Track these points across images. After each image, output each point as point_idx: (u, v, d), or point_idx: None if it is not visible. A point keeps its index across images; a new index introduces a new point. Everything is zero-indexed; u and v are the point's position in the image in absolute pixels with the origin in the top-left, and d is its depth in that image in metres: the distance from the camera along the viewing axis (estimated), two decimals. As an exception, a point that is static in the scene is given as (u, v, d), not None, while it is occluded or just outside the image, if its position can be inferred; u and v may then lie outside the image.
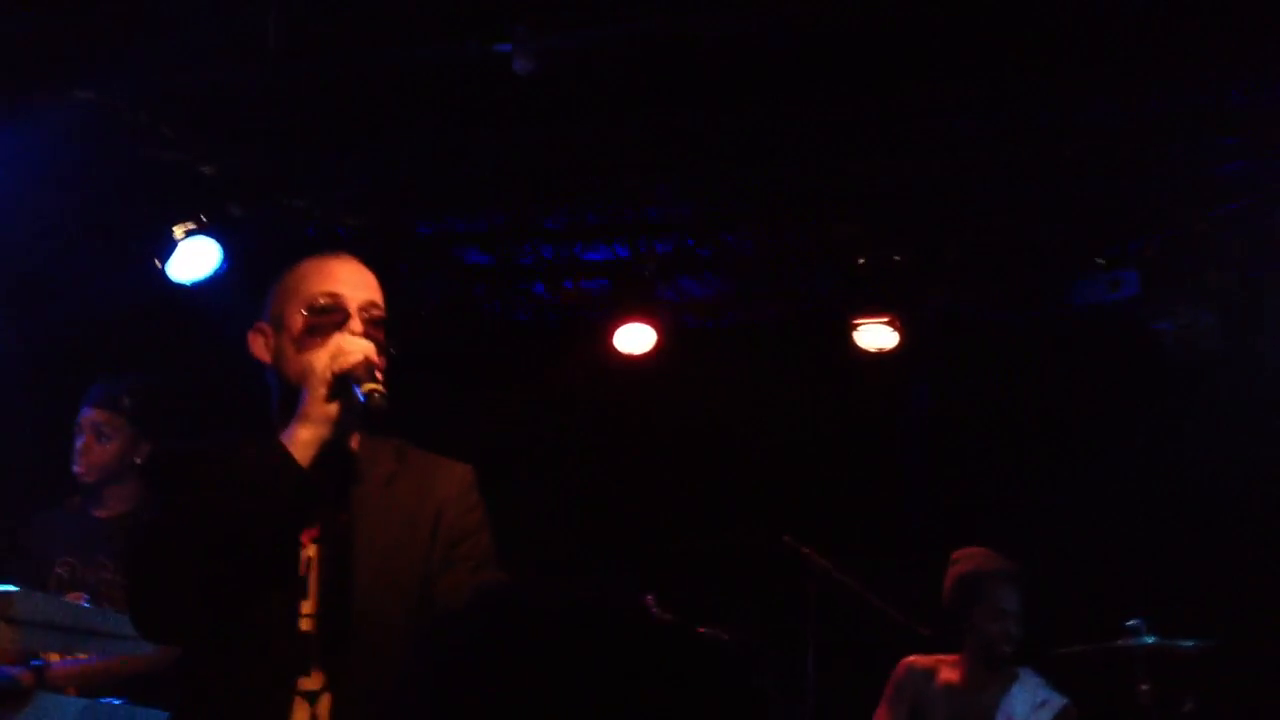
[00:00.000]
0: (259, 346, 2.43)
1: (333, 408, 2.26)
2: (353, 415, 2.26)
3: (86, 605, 3.76)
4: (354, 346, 2.28)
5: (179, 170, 5.20)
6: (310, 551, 2.31)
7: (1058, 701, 4.37)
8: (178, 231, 5.15)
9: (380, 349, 2.34)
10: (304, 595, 2.27)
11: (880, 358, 5.78)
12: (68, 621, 3.41)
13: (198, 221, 5.19)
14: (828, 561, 4.72)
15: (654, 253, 5.96)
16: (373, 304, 2.40)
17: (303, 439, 2.26)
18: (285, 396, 2.36)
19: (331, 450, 2.26)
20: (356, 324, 2.34)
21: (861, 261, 5.77)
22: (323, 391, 2.26)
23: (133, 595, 2.27)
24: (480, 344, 6.56)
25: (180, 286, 5.15)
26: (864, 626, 4.79)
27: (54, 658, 3.66)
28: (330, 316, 2.35)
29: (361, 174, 5.52)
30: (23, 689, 3.48)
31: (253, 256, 5.13)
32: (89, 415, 4.08)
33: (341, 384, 2.26)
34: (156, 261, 5.11)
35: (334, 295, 2.37)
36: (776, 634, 4.88)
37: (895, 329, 5.74)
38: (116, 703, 3.61)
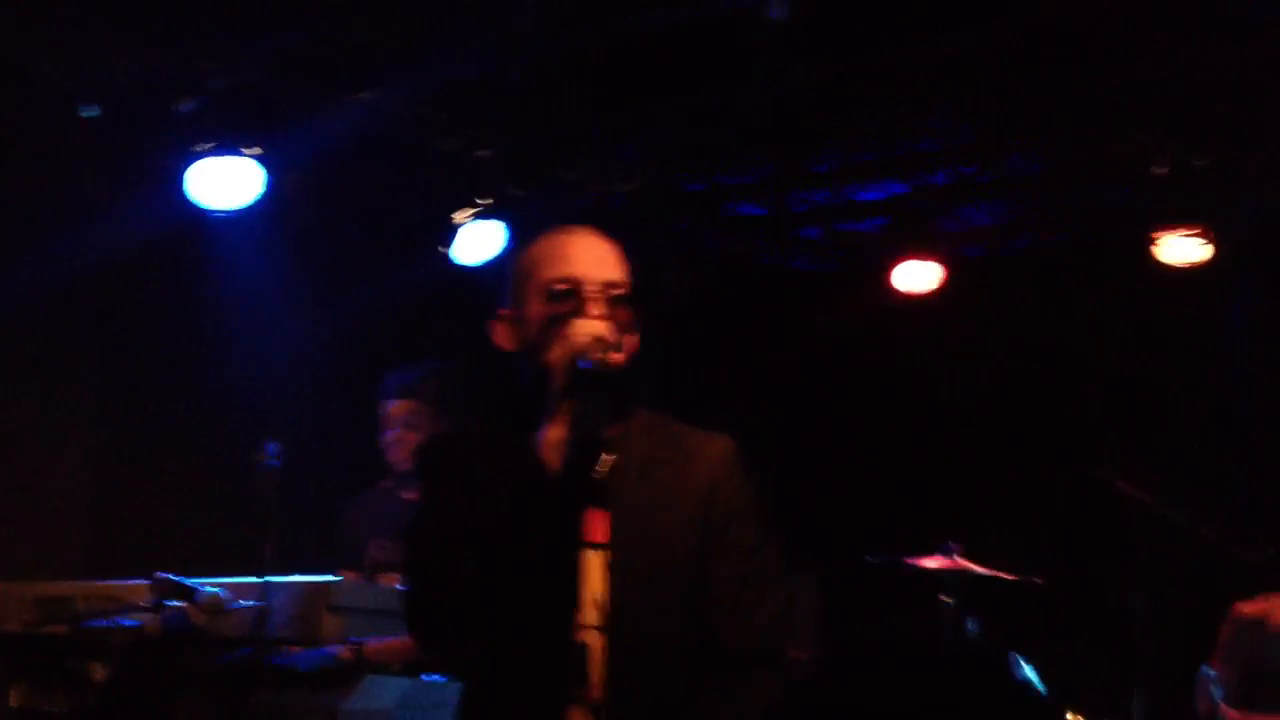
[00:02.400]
0: (502, 335, 2.33)
1: (574, 401, 2.17)
2: (594, 403, 2.14)
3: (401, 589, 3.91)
4: (585, 330, 2.18)
5: (457, 159, 5.34)
6: (589, 555, 2.18)
7: None
8: (458, 217, 5.30)
9: (623, 327, 2.24)
10: (575, 603, 2.12)
11: (1188, 274, 5.39)
12: (387, 605, 3.56)
13: (477, 206, 5.33)
14: (1149, 494, 4.45)
15: (931, 185, 5.75)
16: (611, 283, 2.27)
17: (551, 439, 2.20)
18: (536, 387, 2.25)
19: (586, 444, 2.12)
20: (594, 307, 2.23)
21: (1159, 171, 5.37)
22: (560, 385, 2.18)
23: (403, 596, 2.29)
24: (760, 297, 6.50)
25: (468, 270, 5.31)
26: (1196, 562, 4.51)
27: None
28: (568, 303, 2.24)
29: (628, 140, 5.53)
30: (347, 666, 3.66)
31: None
32: (394, 406, 4.25)
33: (573, 372, 2.16)
34: (441, 248, 5.28)
35: (570, 279, 2.25)
36: (1097, 577, 4.68)
37: (1207, 240, 5.33)
38: (441, 679, 3.76)
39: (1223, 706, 4.02)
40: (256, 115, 4.66)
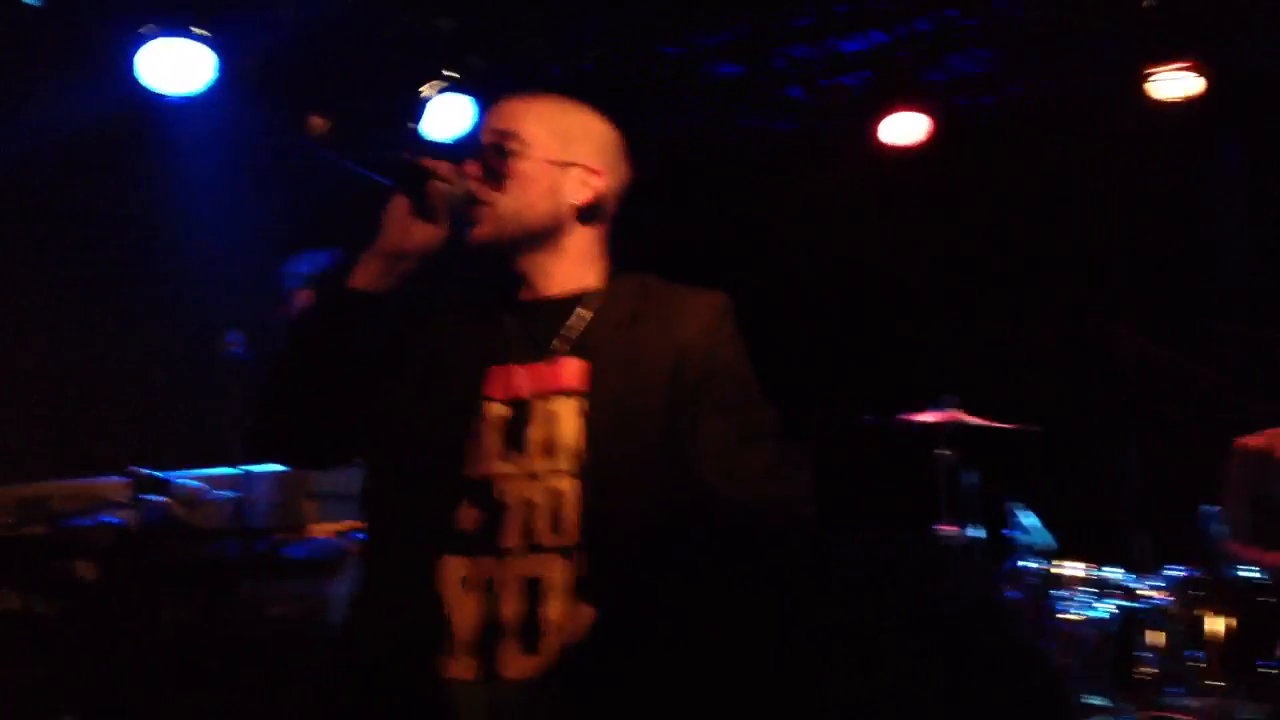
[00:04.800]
0: None
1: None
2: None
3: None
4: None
5: (419, 33, 5.17)
6: (499, 410, 2.13)
7: None
8: (426, 90, 5.14)
9: (489, 176, 2.18)
10: (471, 452, 2.10)
11: (1182, 111, 5.23)
12: (336, 488, 3.50)
13: (443, 79, 5.17)
14: (1144, 337, 4.36)
15: (914, 33, 5.56)
16: (497, 131, 2.21)
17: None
18: None
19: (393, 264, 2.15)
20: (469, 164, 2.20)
21: (1147, 4, 5.18)
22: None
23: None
24: (743, 159, 6.34)
25: (437, 145, 5.16)
26: (1193, 403, 4.43)
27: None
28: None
29: (597, 5, 5.35)
30: (345, 557, 3.62)
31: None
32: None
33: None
34: (409, 123, 5.13)
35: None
36: (1095, 423, 4.61)
37: (1199, 73, 5.16)
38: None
39: (1227, 543, 3.98)
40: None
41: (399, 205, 2.14)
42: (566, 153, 2.20)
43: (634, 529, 2.08)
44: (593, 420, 2.09)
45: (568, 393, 2.12)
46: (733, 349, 2.19)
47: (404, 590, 2.08)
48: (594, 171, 2.22)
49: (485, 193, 2.16)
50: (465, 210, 2.15)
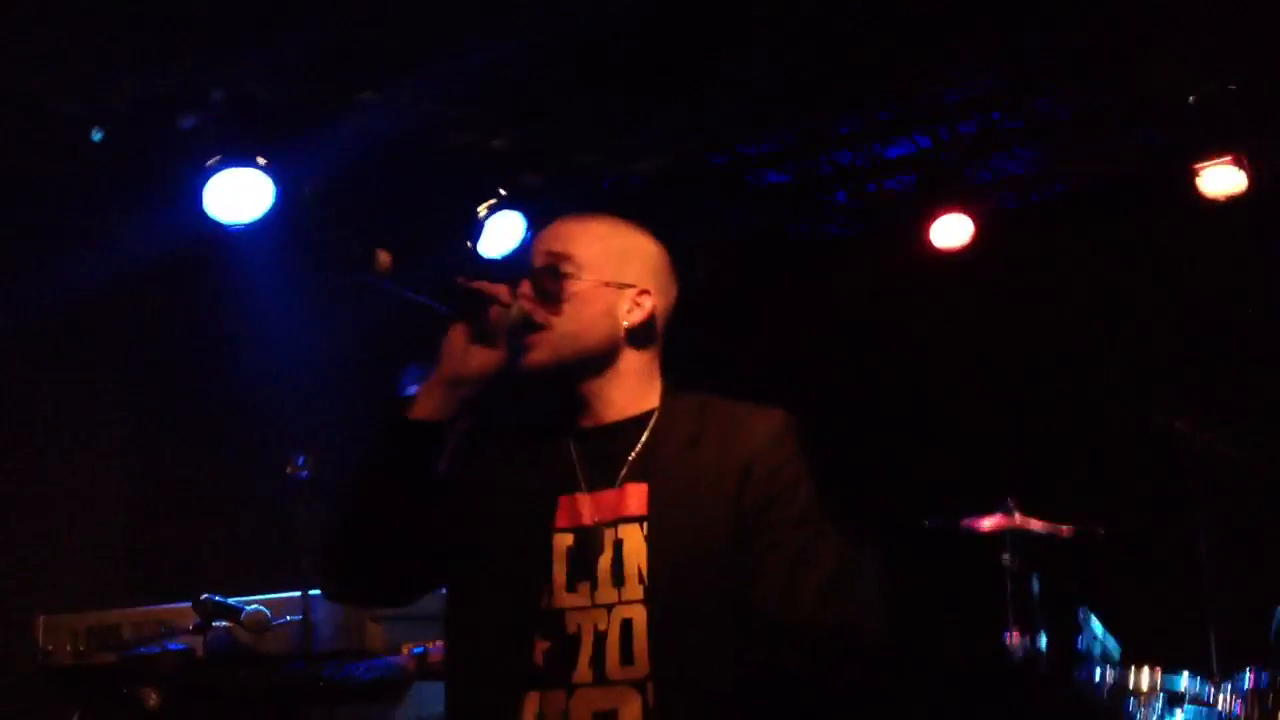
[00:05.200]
0: None
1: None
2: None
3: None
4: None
5: (470, 153, 5.28)
6: (566, 540, 2.13)
7: None
8: (481, 210, 5.24)
9: (546, 297, 2.18)
10: (541, 585, 2.11)
11: (1228, 207, 5.23)
12: (429, 611, 3.51)
13: (498, 197, 5.27)
14: (1206, 432, 4.31)
15: (958, 135, 5.61)
16: (548, 253, 2.21)
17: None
18: None
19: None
20: (524, 284, 2.21)
21: (1192, 100, 5.21)
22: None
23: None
24: (791, 267, 6.39)
25: (492, 263, 5.24)
26: (1259, 498, 4.37)
27: (431, 645, 3.80)
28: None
29: (643, 119, 5.44)
30: (406, 676, 3.63)
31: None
32: None
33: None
34: (468, 243, 5.22)
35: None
36: (1159, 523, 4.54)
37: (1243, 168, 5.17)
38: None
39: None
40: (261, 125, 4.62)
41: (457, 332, 2.15)
42: (620, 274, 2.21)
43: (701, 657, 2.07)
44: (656, 544, 2.08)
45: (633, 519, 2.11)
46: (794, 468, 2.16)
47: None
48: (646, 292, 2.23)
49: (541, 315, 2.17)
50: (522, 334, 2.16)
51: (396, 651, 3.67)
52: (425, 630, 3.59)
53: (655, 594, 2.06)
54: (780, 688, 2.10)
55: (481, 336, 2.14)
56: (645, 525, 2.10)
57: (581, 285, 2.18)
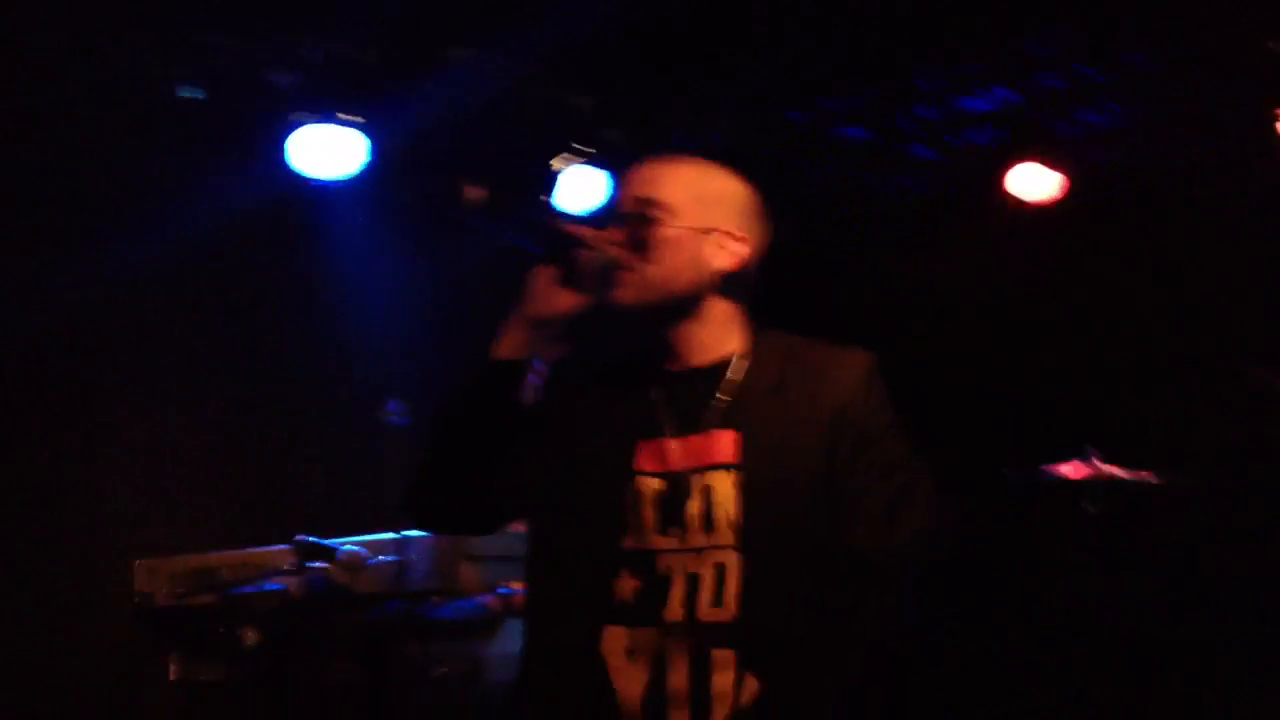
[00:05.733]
0: None
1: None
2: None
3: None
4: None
5: (555, 110, 5.32)
6: (654, 484, 2.16)
7: None
8: (556, 164, 5.28)
9: (638, 246, 2.20)
10: (629, 526, 2.14)
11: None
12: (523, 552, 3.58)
13: (575, 153, 5.31)
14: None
15: (1042, 89, 5.56)
16: (639, 200, 2.22)
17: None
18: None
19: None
20: (614, 231, 2.22)
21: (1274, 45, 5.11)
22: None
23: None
24: (872, 220, 6.38)
25: (577, 216, 5.29)
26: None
27: (517, 586, 3.87)
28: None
29: (724, 76, 5.46)
30: (493, 616, 3.70)
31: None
32: None
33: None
34: (541, 197, 5.27)
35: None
36: (1244, 475, 4.50)
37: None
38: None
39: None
40: (354, 84, 4.69)
41: (544, 273, 2.17)
42: (709, 218, 2.22)
43: (795, 600, 2.11)
44: (750, 493, 2.11)
45: (723, 466, 2.14)
46: (885, 412, 2.20)
47: (568, 659, 2.15)
48: (736, 237, 2.24)
49: (630, 259, 2.18)
50: (610, 277, 2.18)
51: (488, 591, 3.74)
52: (518, 571, 3.66)
53: (750, 542, 2.09)
54: (865, 625, 2.14)
55: (569, 279, 2.16)
56: (737, 474, 2.12)
57: (671, 231, 2.19)
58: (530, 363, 2.17)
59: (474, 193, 2.28)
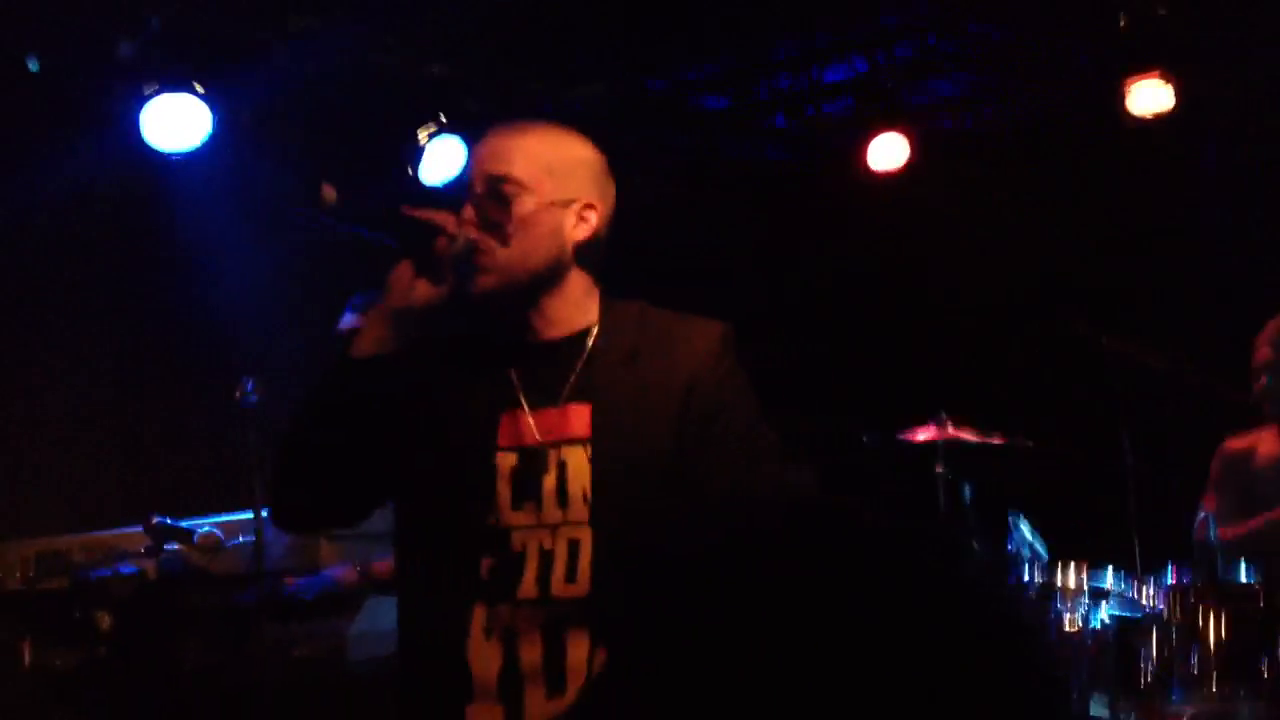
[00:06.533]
0: None
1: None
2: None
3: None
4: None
5: (410, 80, 5.25)
6: (510, 459, 2.14)
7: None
8: (422, 135, 5.22)
9: (491, 225, 2.13)
10: (487, 503, 2.12)
11: (1158, 122, 5.33)
12: (384, 527, 3.57)
13: (438, 122, 5.25)
14: (1131, 344, 4.44)
15: (895, 59, 5.67)
16: (493, 176, 2.15)
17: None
18: None
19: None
20: (466, 209, 2.16)
21: (1122, 21, 5.29)
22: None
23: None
24: (732, 189, 6.44)
25: (435, 190, 5.24)
26: (1181, 407, 4.52)
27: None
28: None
29: (582, 44, 5.45)
30: (351, 588, 3.68)
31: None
32: None
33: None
34: (409, 170, 5.20)
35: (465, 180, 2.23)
36: (1086, 432, 4.67)
37: (1171, 84, 5.26)
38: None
39: (1220, 531, 4.03)
40: (199, 53, 4.58)
41: (403, 265, 2.11)
42: (563, 190, 2.18)
43: (646, 572, 2.13)
44: (601, 467, 2.10)
45: (577, 440, 2.12)
46: (736, 381, 2.19)
47: (433, 639, 2.13)
48: (591, 206, 2.20)
49: (487, 243, 2.12)
50: (468, 264, 2.12)
51: (347, 567, 3.73)
52: (376, 547, 3.65)
53: (602, 517, 2.09)
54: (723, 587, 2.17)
55: (427, 268, 2.10)
56: (589, 448, 2.11)
57: (526, 207, 2.14)
58: (393, 355, 2.12)
59: (329, 194, 2.23)
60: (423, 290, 2.12)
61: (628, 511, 2.09)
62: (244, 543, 3.70)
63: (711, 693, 2.10)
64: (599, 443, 2.11)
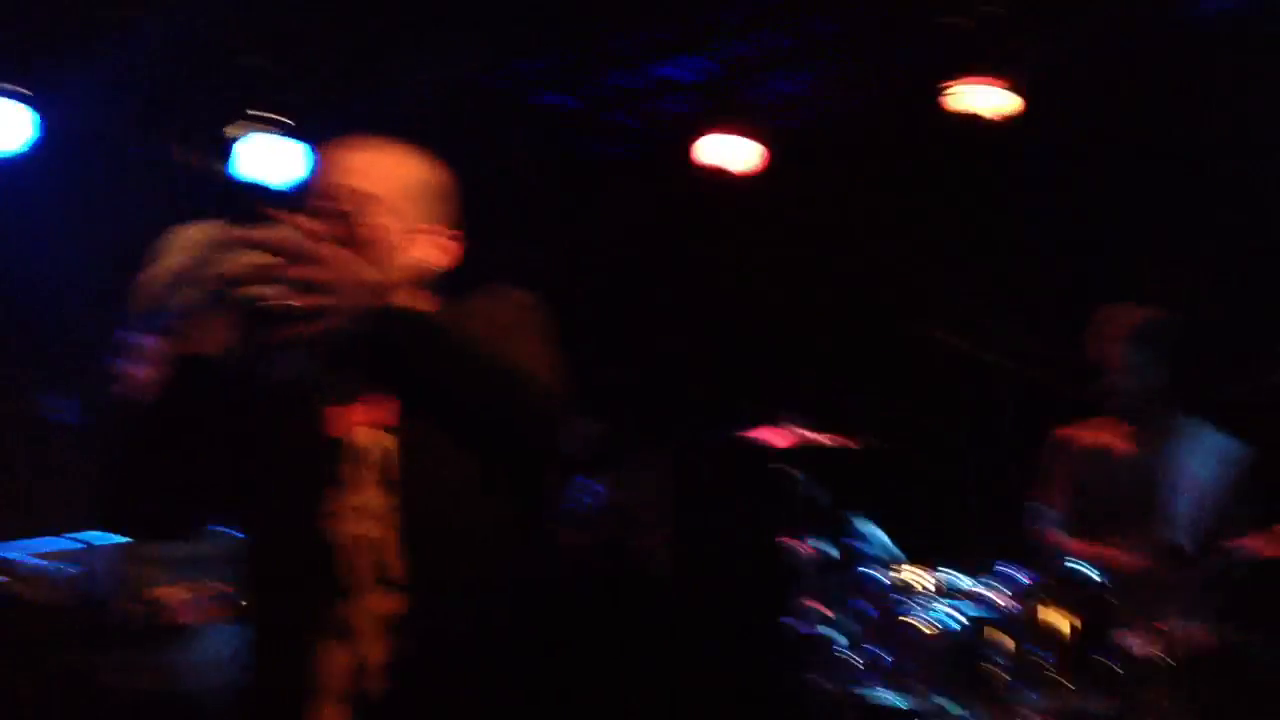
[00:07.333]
0: None
1: None
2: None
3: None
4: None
5: (237, 74, 5.07)
6: (331, 448, 2.10)
7: (1234, 450, 4.11)
8: (231, 131, 5.04)
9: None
10: (312, 497, 2.08)
11: (988, 121, 5.43)
12: (209, 552, 3.44)
13: (253, 120, 5.08)
14: (968, 341, 4.52)
15: (737, 58, 5.68)
16: (341, 190, 2.09)
17: None
18: None
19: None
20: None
21: (952, 21, 5.38)
22: None
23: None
24: (572, 186, 6.39)
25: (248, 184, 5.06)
26: (1021, 402, 4.62)
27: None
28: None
29: (418, 40, 5.32)
30: (185, 620, 3.54)
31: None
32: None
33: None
34: (217, 166, 5.03)
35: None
36: (930, 431, 4.75)
37: (1002, 87, 5.38)
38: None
39: (1050, 535, 4.13)
40: (20, 54, 4.34)
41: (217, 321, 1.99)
42: (414, 217, 2.16)
43: (459, 563, 2.10)
44: (408, 452, 2.09)
45: (383, 427, 2.11)
46: (531, 328, 2.17)
47: (270, 641, 2.10)
48: (441, 233, 2.19)
49: (332, 300, 1.97)
50: (311, 317, 1.96)
51: (174, 595, 3.58)
52: (207, 571, 3.51)
53: (408, 503, 2.08)
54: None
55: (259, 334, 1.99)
56: (398, 434, 2.10)
57: (383, 229, 2.11)
58: (232, 357, 2.02)
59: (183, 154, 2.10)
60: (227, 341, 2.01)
61: (431, 491, 2.09)
62: (71, 572, 3.51)
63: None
64: (404, 429, 2.10)
